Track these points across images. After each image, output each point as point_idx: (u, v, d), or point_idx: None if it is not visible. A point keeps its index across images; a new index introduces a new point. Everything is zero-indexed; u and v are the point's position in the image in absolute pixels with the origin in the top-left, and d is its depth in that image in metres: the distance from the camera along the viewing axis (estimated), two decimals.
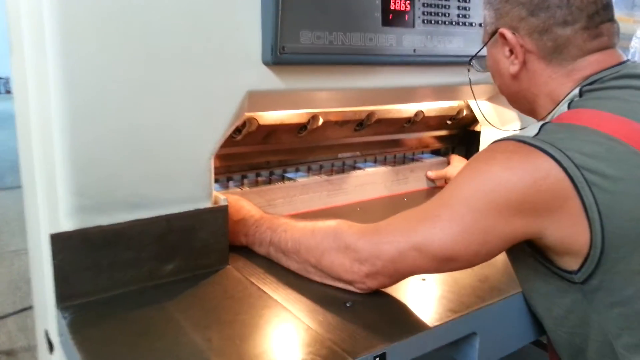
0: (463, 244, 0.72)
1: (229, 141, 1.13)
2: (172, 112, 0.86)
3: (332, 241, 0.84)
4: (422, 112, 1.40)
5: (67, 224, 0.81)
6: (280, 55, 0.93)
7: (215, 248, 0.94)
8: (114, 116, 0.81)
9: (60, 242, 0.80)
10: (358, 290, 0.84)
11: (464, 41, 1.21)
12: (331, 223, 0.87)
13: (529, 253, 0.78)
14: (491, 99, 1.42)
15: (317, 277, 0.88)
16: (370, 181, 1.42)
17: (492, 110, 1.45)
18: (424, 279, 0.92)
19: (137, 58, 0.81)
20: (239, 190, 1.20)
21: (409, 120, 1.41)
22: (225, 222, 0.94)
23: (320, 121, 1.21)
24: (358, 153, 1.41)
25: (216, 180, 1.21)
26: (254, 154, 1.20)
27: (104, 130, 0.81)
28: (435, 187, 1.54)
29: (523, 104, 0.91)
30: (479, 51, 0.97)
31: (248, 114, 1.10)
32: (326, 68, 1.02)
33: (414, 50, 1.13)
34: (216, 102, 0.90)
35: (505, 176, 0.69)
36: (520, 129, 1.20)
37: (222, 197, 0.95)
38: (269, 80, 0.95)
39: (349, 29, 1.02)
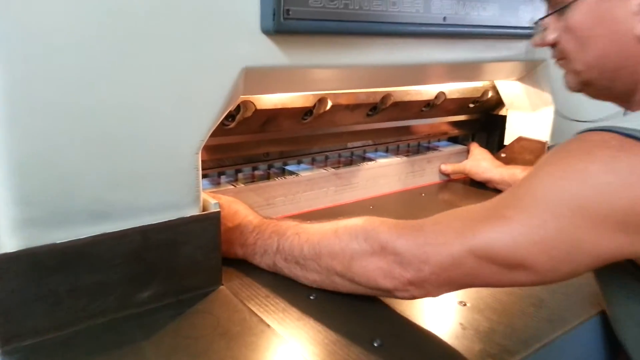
0: (540, 257, 0.54)
1: (220, 129, 0.94)
2: (146, 93, 0.66)
3: (362, 242, 0.66)
4: (443, 93, 1.21)
5: (9, 243, 0.62)
6: (283, 22, 0.73)
7: (205, 266, 0.75)
8: (68, 98, 0.61)
9: (1, 267, 0.61)
10: (401, 298, 0.68)
11: (499, 8, 1.01)
12: (357, 221, 0.69)
13: (629, 271, 0.60)
14: (523, 79, 1.23)
15: (346, 287, 0.71)
16: (383, 174, 1.24)
17: (523, 92, 1.26)
18: (465, 304, 0.74)
19: (95, 18, 0.60)
20: (232, 187, 1.00)
21: (428, 104, 1.22)
22: (217, 233, 0.75)
23: (329, 105, 1.02)
24: (369, 142, 1.22)
25: (205, 176, 1.02)
26: (250, 144, 1.00)
27: (54, 118, 0.61)
28: (450, 181, 1.36)
29: (622, 83, 0.67)
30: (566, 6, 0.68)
31: (243, 97, 0.90)
32: (339, 39, 0.82)
33: (444, 19, 0.93)
34: (204, 81, 0.70)
35: (608, 180, 0.51)
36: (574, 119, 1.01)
37: (212, 201, 0.75)
38: (270, 53, 0.75)
39: None
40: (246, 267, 0.82)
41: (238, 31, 0.72)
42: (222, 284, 0.77)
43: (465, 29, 0.96)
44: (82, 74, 0.61)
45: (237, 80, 0.74)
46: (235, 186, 1.00)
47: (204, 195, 0.77)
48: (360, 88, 1.04)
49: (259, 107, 0.93)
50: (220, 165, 0.99)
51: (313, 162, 1.17)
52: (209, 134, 0.74)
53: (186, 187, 0.73)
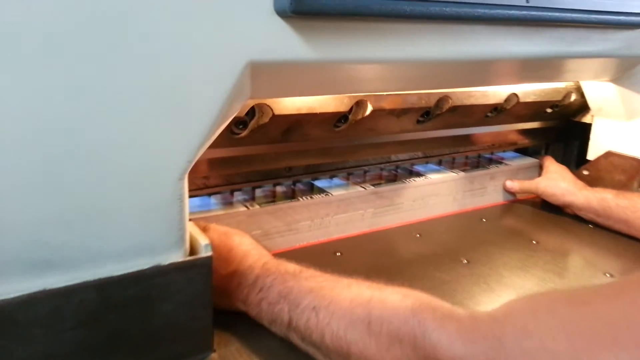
0: None
1: (229, 139, 0.74)
2: (106, 95, 0.47)
3: (409, 351, 0.44)
4: (516, 95, 0.97)
5: None
6: (305, 0, 0.52)
7: (190, 329, 0.56)
8: None
9: None
10: None
11: None
12: (399, 304, 0.47)
13: None
14: (618, 79, 0.97)
15: None
16: (435, 192, 1.01)
17: (617, 95, 1.00)
18: None
19: None
20: (244, 209, 0.81)
21: (495, 108, 0.98)
22: (206, 285, 0.56)
23: (369, 109, 0.81)
24: (419, 153, 0.99)
25: (213, 194, 0.83)
26: (268, 156, 0.80)
27: None
28: (517, 201, 1.11)
29: None
30: None
31: (255, 100, 0.70)
32: (382, 25, 0.61)
33: None
34: (191, 80, 0.51)
35: None
36: None
37: (202, 241, 0.56)
38: (286, 42, 0.55)
39: None
40: (247, 324, 0.62)
41: (240, 11, 0.52)
42: (214, 350, 0.58)
43: (555, 14, 0.72)
44: (17, 66, 0.42)
45: (240, 80, 0.54)
46: (248, 207, 0.81)
47: (191, 230, 0.57)
48: (409, 90, 0.81)
49: (277, 111, 0.72)
50: (231, 182, 0.80)
51: (348, 178, 0.96)
52: (200, 152, 0.55)
53: (165, 225, 0.53)
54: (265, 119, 0.72)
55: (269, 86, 0.62)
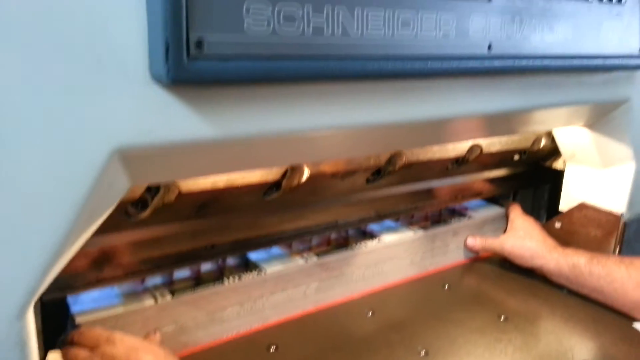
0: None
1: (124, 222, 0.59)
2: None
3: None
4: (479, 147, 0.84)
5: None
6: (189, 63, 0.38)
7: None
8: None
9: None
10: None
11: (573, 28, 0.65)
12: None
13: None
14: (593, 125, 0.86)
15: None
16: (391, 256, 0.87)
17: (591, 141, 0.89)
18: None
19: None
20: (151, 303, 0.65)
21: (457, 161, 0.86)
22: None
23: (306, 174, 0.66)
24: (371, 214, 0.86)
25: (123, 280, 0.67)
26: (181, 236, 0.65)
27: None
28: (481, 259, 0.99)
29: None
30: None
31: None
32: (309, 87, 0.47)
33: (489, 47, 0.57)
34: (25, 186, 0.36)
35: None
36: None
37: None
38: (169, 120, 0.40)
39: (358, 0, 0.46)
40: None
41: (106, 79, 0.37)
42: None
43: (520, 61, 0.60)
44: None
45: (105, 175, 0.39)
46: (157, 300, 0.65)
47: None
48: (351, 155, 0.68)
49: (186, 189, 0.57)
50: (134, 271, 0.64)
51: (290, 248, 0.81)
52: (54, 272, 0.39)
53: None
54: (171, 197, 0.57)
55: (158, 171, 0.47)
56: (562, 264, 0.84)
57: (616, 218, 0.90)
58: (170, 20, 0.36)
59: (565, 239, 0.95)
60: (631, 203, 0.90)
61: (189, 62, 0.38)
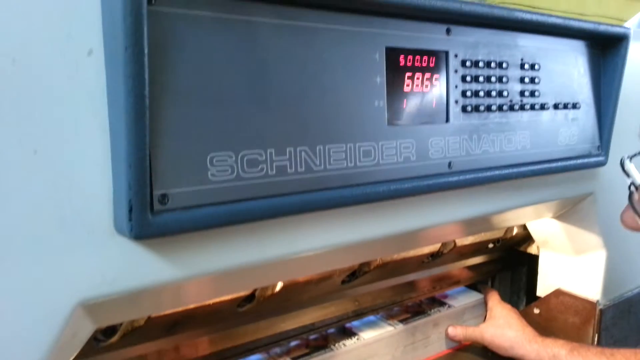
0: None
1: (92, 349, 0.58)
2: None
3: None
4: (452, 241, 0.86)
5: None
6: (154, 218, 0.39)
7: None
8: None
9: None
10: None
11: (531, 136, 0.68)
12: None
13: None
14: (562, 216, 0.89)
15: None
16: (370, 354, 0.86)
17: (562, 231, 0.91)
18: None
19: None
20: None
21: (432, 255, 0.87)
22: None
23: (279, 285, 0.67)
24: (349, 312, 0.85)
25: None
26: (150, 357, 0.64)
27: None
28: (463, 348, 0.98)
29: None
30: None
31: None
32: (276, 222, 0.48)
33: (449, 165, 0.59)
34: None
35: None
36: None
37: None
38: (134, 269, 0.41)
39: (320, 138, 0.49)
40: None
41: (67, 234, 0.38)
42: None
43: (481, 175, 0.62)
44: None
45: (69, 326, 0.39)
46: None
47: None
48: (323, 269, 0.69)
49: (155, 313, 0.57)
50: None
51: (268, 353, 0.80)
52: None
53: None
54: (140, 322, 0.57)
55: (124, 313, 0.47)
56: (542, 355, 0.84)
57: (592, 305, 0.91)
58: (133, 181, 0.38)
59: (544, 325, 0.95)
60: (605, 290, 0.91)
61: (153, 217, 0.39)
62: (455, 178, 0.59)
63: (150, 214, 0.39)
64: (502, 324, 0.92)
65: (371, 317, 0.93)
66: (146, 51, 0.37)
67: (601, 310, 0.91)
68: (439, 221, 0.62)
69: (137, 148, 0.38)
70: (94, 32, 0.39)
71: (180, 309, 0.59)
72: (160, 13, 0.40)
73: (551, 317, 0.97)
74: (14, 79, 0.37)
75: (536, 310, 0.99)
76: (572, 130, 0.73)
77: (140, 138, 0.38)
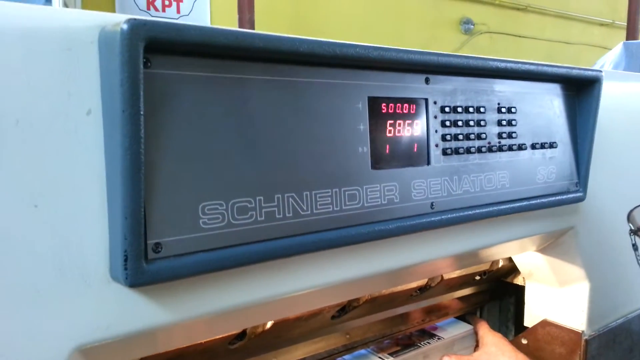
0: None
1: None
2: None
3: None
4: (439, 275, 0.88)
5: None
6: (148, 266, 0.41)
7: None
8: None
9: None
10: None
11: (510, 176, 0.71)
12: None
13: None
14: (545, 250, 0.91)
15: None
16: None
17: (545, 263, 0.94)
18: None
19: None
20: None
21: (420, 289, 0.89)
22: None
23: (270, 323, 0.69)
24: (339, 347, 0.87)
25: None
26: None
27: None
28: None
29: None
30: None
31: None
32: (267, 265, 0.50)
33: (432, 205, 0.62)
34: None
35: None
36: None
37: None
38: (129, 314, 0.43)
39: (305, 185, 0.51)
40: None
41: (63, 283, 0.41)
42: None
43: (463, 213, 0.65)
44: None
45: None
46: None
47: None
48: (313, 308, 0.71)
49: (148, 354, 0.59)
50: None
51: None
52: None
53: None
54: None
55: (119, 355, 0.49)
56: None
57: (578, 335, 0.93)
58: (128, 232, 0.40)
59: (532, 355, 0.96)
60: (590, 320, 0.93)
61: (147, 265, 0.42)
62: (437, 218, 0.62)
63: (144, 263, 0.41)
64: (494, 351, 0.93)
65: (362, 351, 0.95)
66: (142, 112, 0.40)
67: (587, 341, 0.93)
68: (423, 259, 0.64)
69: (132, 201, 0.41)
70: (93, 92, 0.42)
71: (172, 348, 0.61)
72: (155, 75, 0.43)
73: (539, 348, 0.98)
74: (17, 138, 0.39)
75: (524, 341, 1.01)
76: (550, 168, 0.77)
77: (136, 192, 0.41)
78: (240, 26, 3.26)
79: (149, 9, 3.77)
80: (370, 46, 0.55)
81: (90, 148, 0.42)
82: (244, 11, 3.38)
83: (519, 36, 5.64)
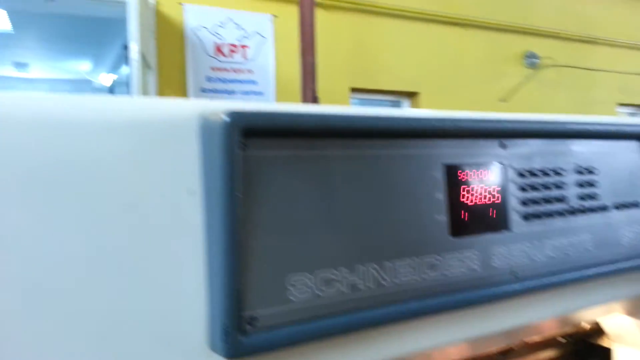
0: None
1: None
2: None
3: None
4: (522, 340, 0.85)
5: None
6: (245, 340, 0.44)
7: None
8: None
9: None
10: None
11: (593, 239, 0.69)
12: None
13: None
14: (634, 312, 0.86)
15: None
16: None
17: (636, 327, 0.88)
18: None
19: None
20: None
21: (502, 353, 0.86)
22: None
23: None
24: None
25: None
26: None
27: None
28: None
29: None
30: None
31: None
32: (349, 337, 0.52)
33: (513, 272, 0.61)
34: None
35: None
36: None
37: None
38: None
39: (386, 255, 0.53)
40: None
41: (163, 351, 0.44)
42: None
43: (546, 280, 0.64)
44: None
45: None
46: None
47: None
48: None
49: None
50: None
51: None
52: None
53: None
54: None
55: None
56: None
57: None
58: (227, 305, 0.43)
59: None
60: None
61: (244, 337, 0.44)
62: (520, 285, 0.61)
63: (242, 335, 0.44)
64: None
65: None
66: (239, 194, 0.44)
67: None
68: (505, 327, 0.63)
69: (230, 277, 0.44)
70: (194, 174, 0.46)
71: None
72: (249, 156, 0.47)
73: None
74: (128, 220, 0.44)
75: None
76: (636, 229, 0.73)
77: (234, 268, 0.44)
78: (303, 68, 3.37)
79: (217, 55, 3.97)
80: (446, 118, 0.56)
81: (192, 226, 0.46)
82: (307, 54, 3.50)
83: (589, 69, 5.46)
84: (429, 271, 0.55)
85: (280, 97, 4.11)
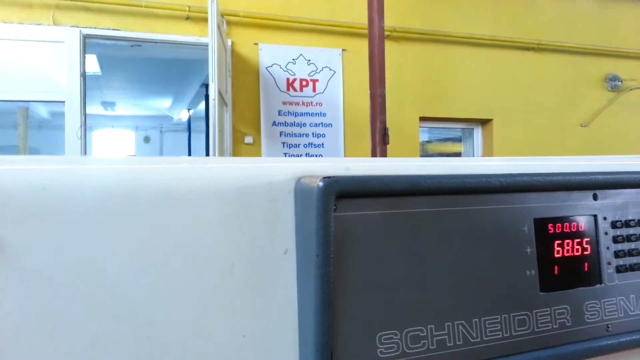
0: None
1: None
2: None
3: None
4: None
5: None
6: None
7: None
8: None
9: None
10: None
11: None
12: None
13: None
14: None
15: None
16: None
17: None
18: None
19: None
20: None
21: None
22: None
23: None
24: None
25: None
26: None
27: None
28: None
29: None
30: None
31: None
32: None
33: (607, 328, 0.59)
34: None
35: None
36: None
37: None
38: None
39: (475, 311, 0.53)
40: None
41: None
42: None
43: None
44: None
45: None
46: None
47: None
48: None
49: None
50: None
51: None
52: None
53: None
54: None
55: None
56: None
57: None
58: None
59: None
60: None
61: None
62: (614, 341, 0.58)
63: None
64: None
65: None
66: (332, 256, 0.46)
67: None
68: None
69: (323, 333, 0.46)
70: (289, 234, 0.49)
71: None
72: (340, 217, 0.49)
73: None
74: (232, 279, 0.47)
75: None
76: None
77: (327, 325, 0.46)
78: (372, 100, 3.39)
79: (288, 90, 4.12)
80: (535, 173, 0.56)
81: (287, 284, 0.49)
82: (376, 87, 3.53)
83: None
84: (518, 328, 0.55)
85: (348, 128, 4.17)
